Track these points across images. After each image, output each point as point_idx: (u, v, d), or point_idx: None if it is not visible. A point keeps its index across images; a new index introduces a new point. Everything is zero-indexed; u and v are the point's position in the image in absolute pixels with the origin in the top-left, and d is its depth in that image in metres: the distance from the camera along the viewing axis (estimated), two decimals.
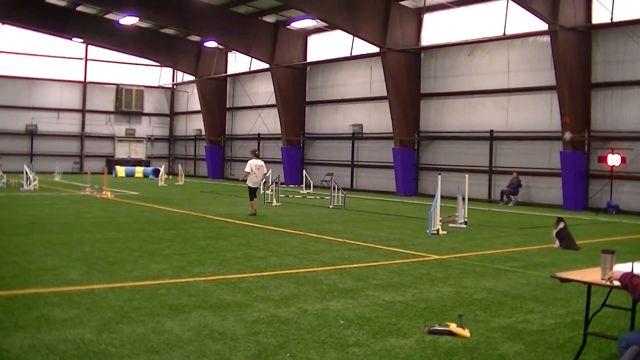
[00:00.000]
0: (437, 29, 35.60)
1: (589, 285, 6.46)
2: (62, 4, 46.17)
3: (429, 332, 7.48)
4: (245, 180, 22.50)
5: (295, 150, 44.35)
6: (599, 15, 28.41)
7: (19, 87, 53.16)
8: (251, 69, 49.32)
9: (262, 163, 22.66)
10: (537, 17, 27.93)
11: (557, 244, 15.34)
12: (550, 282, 10.52)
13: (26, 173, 32.08)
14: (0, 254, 12.13)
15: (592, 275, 6.45)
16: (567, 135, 27.88)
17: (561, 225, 15.40)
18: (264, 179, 23.36)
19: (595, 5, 28.52)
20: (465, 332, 7.42)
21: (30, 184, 31.60)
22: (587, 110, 28.73)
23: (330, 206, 26.28)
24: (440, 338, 7.29)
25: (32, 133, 53.41)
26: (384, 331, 7.54)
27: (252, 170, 22.16)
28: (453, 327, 7.49)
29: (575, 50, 28.20)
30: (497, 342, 7.26)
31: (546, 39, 29.58)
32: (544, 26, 28.60)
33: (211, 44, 47.35)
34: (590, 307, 6.65)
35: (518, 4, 28.02)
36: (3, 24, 49.64)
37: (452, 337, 7.33)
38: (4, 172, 34.58)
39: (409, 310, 8.61)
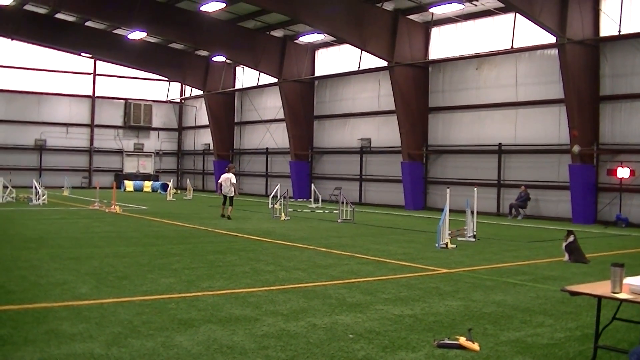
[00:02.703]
0: (445, 42, 35.64)
1: (599, 298, 6.45)
2: (71, 19, 46.47)
3: (438, 345, 7.46)
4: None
5: (304, 164, 44.37)
6: (607, 28, 28.39)
7: (28, 102, 53.43)
8: (259, 84, 49.40)
9: (229, 176, 26.39)
10: (545, 30, 27.94)
11: (566, 257, 15.30)
12: (559, 295, 10.49)
13: (35, 187, 32.19)
14: (10, 268, 12.16)
15: (602, 288, 6.44)
16: (576, 148, 27.84)
17: (571, 238, 15.36)
18: (233, 188, 26.47)
19: (603, 18, 28.51)
20: (475, 346, 7.40)
21: (39, 198, 31.69)
22: (595, 123, 28.68)
23: (339, 220, 26.26)
24: (449, 352, 7.27)
25: (41, 148, 53.63)
26: (393, 345, 7.53)
27: (221, 182, 26.59)
28: (462, 340, 7.47)
29: (583, 63, 28.19)
30: (507, 355, 7.23)
31: (554, 52, 29.58)
32: (551, 39, 28.59)
33: (219, 58, 47.56)
34: (601, 321, 6.63)
35: (526, 17, 28.07)
36: (13, 39, 49.92)
37: (462, 351, 7.31)
38: (13, 187, 34.67)
39: (418, 324, 8.59)
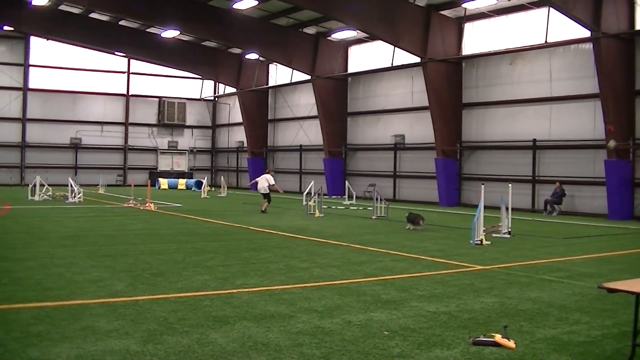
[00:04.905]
0: (478, 38, 35.41)
1: (637, 295, 6.38)
2: (105, 18, 46.87)
3: (473, 343, 7.42)
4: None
5: (338, 161, 44.37)
6: None
7: (63, 101, 54.04)
8: (292, 81, 49.41)
9: (267, 176, 28.74)
10: (579, 24, 27.64)
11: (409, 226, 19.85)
12: (595, 292, 10.37)
13: (71, 186, 32.54)
14: (47, 266, 12.30)
15: None
16: (612, 144, 27.52)
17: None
18: (269, 185, 28.65)
19: (638, 11, 28.14)
20: (511, 343, 7.34)
21: (75, 196, 32.02)
22: (631, 118, 28.30)
23: (373, 217, 26.23)
24: (485, 349, 7.23)
25: (76, 146, 54.24)
26: (428, 342, 7.50)
27: (257, 180, 29.49)
28: (498, 338, 7.42)
29: (619, 56, 27.84)
30: (543, 353, 7.17)
31: (588, 46, 29.26)
32: (586, 33, 28.27)
33: (252, 56, 47.71)
34: (638, 318, 6.54)
35: (559, 12, 27.78)
36: (48, 39, 50.53)
37: (497, 348, 7.26)
38: (49, 185, 35.08)
39: (453, 321, 8.55)
